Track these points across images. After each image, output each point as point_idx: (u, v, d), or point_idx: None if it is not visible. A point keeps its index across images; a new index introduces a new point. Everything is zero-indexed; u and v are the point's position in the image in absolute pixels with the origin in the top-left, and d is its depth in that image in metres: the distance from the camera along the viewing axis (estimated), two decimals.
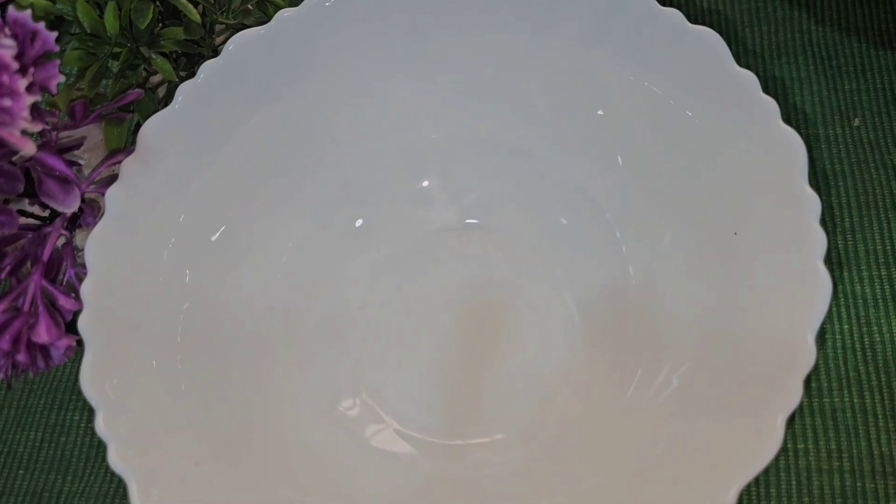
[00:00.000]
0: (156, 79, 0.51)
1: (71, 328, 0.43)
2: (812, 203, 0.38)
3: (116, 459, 0.37)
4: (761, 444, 0.34)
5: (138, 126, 0.49)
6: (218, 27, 0.51)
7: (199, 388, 0.43)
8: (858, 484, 0.42)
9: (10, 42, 0.35)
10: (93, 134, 0.48)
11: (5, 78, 0.34)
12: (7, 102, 0.33)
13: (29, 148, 0.36)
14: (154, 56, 0.46)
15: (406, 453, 0.45)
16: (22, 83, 0.34)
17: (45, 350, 0.42)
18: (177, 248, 0.44)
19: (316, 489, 0.42)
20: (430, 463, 0.45)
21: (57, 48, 0.38)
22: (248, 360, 0.46)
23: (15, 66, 0.34)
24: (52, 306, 0.42)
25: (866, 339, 0.45)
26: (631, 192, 0.46)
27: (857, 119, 0.51)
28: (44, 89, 0.38)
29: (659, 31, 0.42)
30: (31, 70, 0.36)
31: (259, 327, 0.47)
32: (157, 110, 0.44)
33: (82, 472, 0.47)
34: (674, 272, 0.44)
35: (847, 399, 0.44)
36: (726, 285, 0.41)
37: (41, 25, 0.37)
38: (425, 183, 0.50)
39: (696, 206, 0.43)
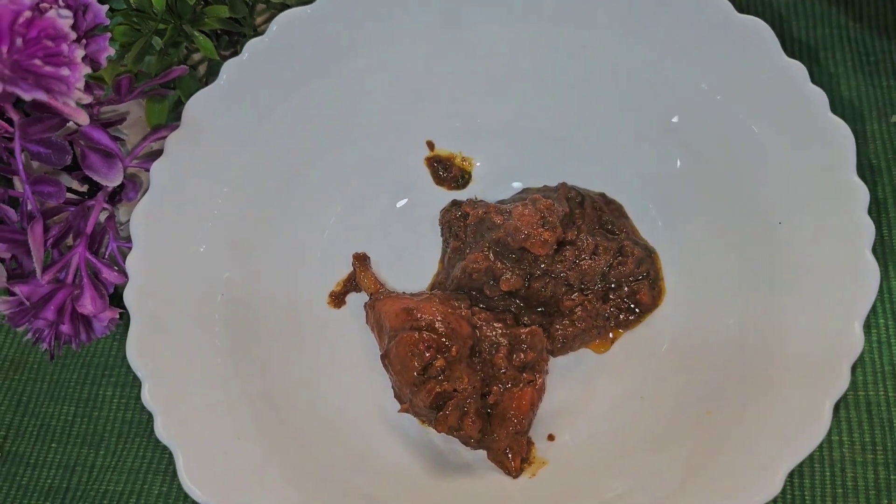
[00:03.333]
0: (196, 57, 0.51)
1: (112, 301, 0.43)
2: (860, 193, 0.38)
3: (163, 431, 0.37)
4: (809, 429, 0.34)
5: (178, 103, 0.49)
6: (259, 6, 0.52)
7: (238, 361, 0.43)
8: (892, 477, 0.42)
9: (67, 12, 0.35)
10: (133, 110, 0.48)
11: (64, 47, 0.34)
12: (65, 72, 0.34)
13: (83, 119, 0.37)
14: (196, 34, 0.47)
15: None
16: (79, 53, 0.34)
17: (88, 322, 0.42)
18: (219, 220, 0.45)
19: (347, 464, 0.43)
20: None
21: (108, 21, 0.38)
22: (287, 333, 0.46)
23: (73, 35, 0.34)
24: (96, 278, 0.42)
25: None
26: (673, 180, 0.46)
27: (894, 116, 0.51)
28: (93, 62, 0.38)
29: (707, 20, 0.42)
30: (84, 42, 0.37)
31: (298, 301, 0.47)
32: (198, 88, 0.44)
33: (115, 446, 0.48)
34: (720, 262, 0.44)
35: (882, 393, 0.44)
36: (773, 274, 0.41)
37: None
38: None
39: (741, 196, 0.43)
